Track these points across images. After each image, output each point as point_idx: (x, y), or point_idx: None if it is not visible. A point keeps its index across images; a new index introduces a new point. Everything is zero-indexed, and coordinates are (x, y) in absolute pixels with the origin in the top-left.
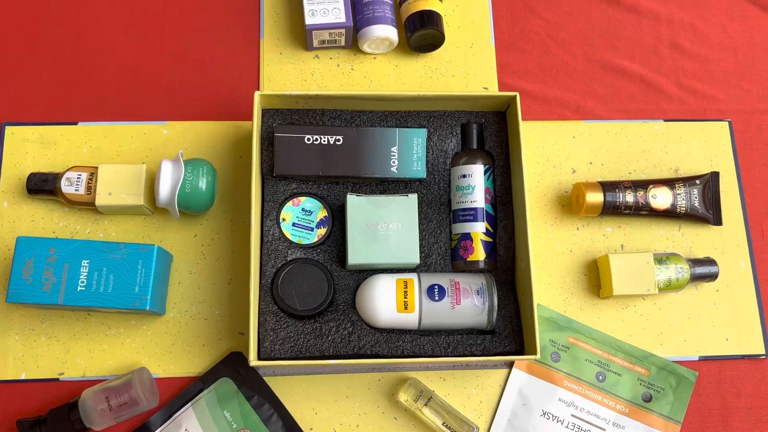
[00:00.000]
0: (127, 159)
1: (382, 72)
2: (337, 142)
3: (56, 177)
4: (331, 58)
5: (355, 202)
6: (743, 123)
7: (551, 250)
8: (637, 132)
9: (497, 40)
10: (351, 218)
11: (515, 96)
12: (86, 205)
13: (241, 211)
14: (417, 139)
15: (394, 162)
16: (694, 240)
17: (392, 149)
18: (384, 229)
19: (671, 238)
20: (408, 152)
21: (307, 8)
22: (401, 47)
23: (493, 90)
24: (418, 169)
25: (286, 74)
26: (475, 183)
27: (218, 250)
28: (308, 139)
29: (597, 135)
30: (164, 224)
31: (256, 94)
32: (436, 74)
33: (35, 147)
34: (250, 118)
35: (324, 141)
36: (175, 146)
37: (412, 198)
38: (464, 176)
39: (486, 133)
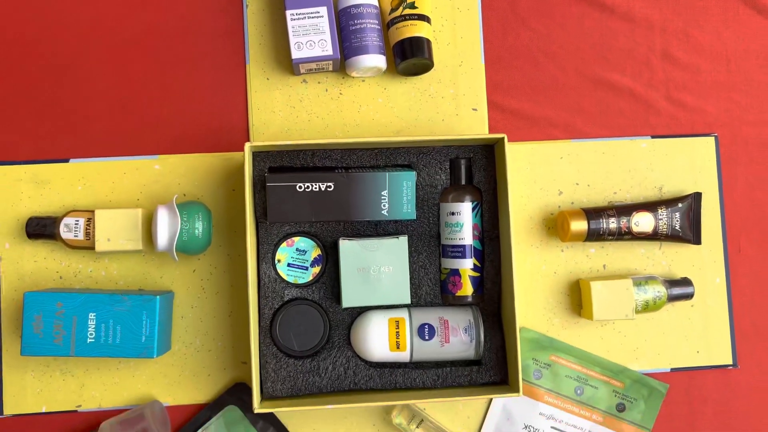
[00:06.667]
0: (121, 196)
1: (370, 96)
2: (328, 189)
3: (54, 222)
4: (319, 83)
5: (347, 247)
6: (729, 137)
7: (536, 272)
8: (624, 150)
9: (487, 56)
10: (344, 263)
11: (503, 138)
12: (86, 248)
13: (237, 245)
14: (406, 183)
15: (384, 205)
16: (674, 258)
17: (382, 193)
18: (376, 272)
19: (651, 257)
20: (398, 195)
21: (292, 41)
22: (390, 69)
23: (482, 110)
24: (408, 211)
25: (274, 101)
26: (463, 221)
27: (217, 284)
28: (300, 187)
29: (584, 155)
30: (163, 261)
31: (247, 146)
32: (425, 96)
33: (29, 187)
34: (240, 148)
35: (315, 188)
36: (167, 181)
37: (402, 240)
38: (453, 213)
39: (474, 168)
